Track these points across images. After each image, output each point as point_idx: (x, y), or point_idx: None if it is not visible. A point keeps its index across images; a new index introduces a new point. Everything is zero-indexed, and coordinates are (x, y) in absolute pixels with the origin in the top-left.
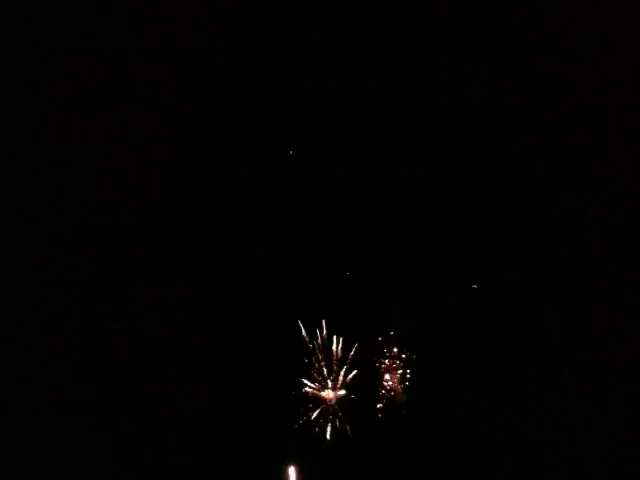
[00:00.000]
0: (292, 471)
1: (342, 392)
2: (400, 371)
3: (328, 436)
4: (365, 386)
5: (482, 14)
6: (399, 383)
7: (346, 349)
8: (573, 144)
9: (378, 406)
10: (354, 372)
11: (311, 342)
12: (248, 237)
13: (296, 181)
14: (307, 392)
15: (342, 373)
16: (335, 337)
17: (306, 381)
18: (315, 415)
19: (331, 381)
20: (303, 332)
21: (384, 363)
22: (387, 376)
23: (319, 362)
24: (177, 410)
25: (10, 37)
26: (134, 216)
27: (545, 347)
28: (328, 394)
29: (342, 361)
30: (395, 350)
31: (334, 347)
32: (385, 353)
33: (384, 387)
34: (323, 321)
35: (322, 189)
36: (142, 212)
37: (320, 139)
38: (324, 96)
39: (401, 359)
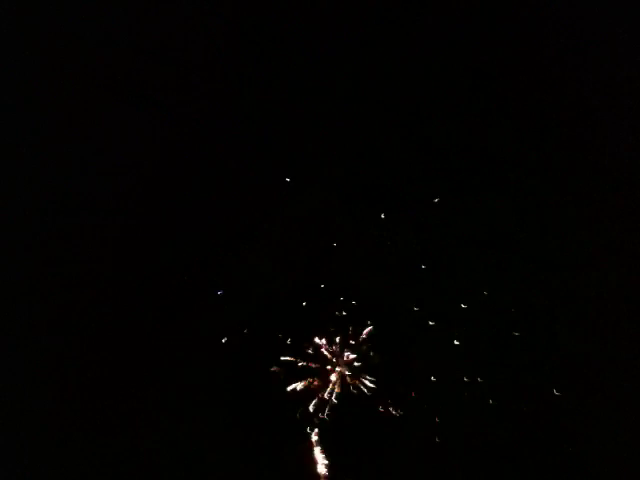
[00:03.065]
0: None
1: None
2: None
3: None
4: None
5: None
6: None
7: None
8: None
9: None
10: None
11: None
12: (248, 236)
13: (295, 180)
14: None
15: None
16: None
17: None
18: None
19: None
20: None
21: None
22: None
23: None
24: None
25: (10, 37)
26: (132, 215)
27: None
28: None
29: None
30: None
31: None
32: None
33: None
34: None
35: (322, 189)
36: (141, 211)
37: (320, 138)
38: (324, 95)
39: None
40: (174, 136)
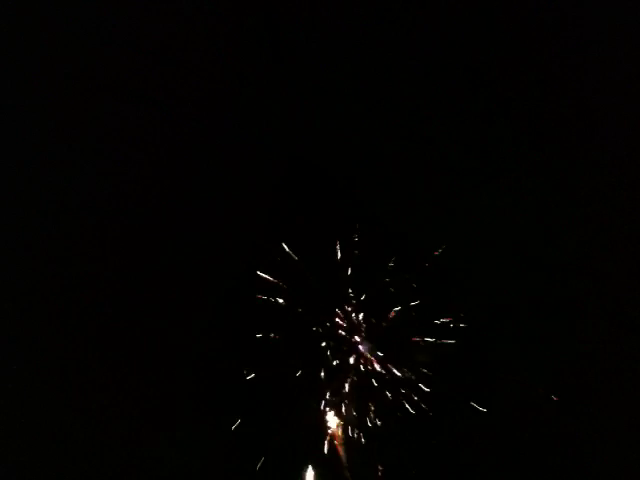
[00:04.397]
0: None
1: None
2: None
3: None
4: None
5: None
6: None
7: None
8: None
9: None
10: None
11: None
12: (248, 235)
13: (294, 179)
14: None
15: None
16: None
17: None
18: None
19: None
20: None
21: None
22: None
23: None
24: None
25: (10, 37)
26: (132, 215)
27: None
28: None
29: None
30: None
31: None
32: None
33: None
34: None
35: (322, 189)
36: (141, 211)
37: (320, 137)
38: (324, 94)
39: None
40: (174, 136)
